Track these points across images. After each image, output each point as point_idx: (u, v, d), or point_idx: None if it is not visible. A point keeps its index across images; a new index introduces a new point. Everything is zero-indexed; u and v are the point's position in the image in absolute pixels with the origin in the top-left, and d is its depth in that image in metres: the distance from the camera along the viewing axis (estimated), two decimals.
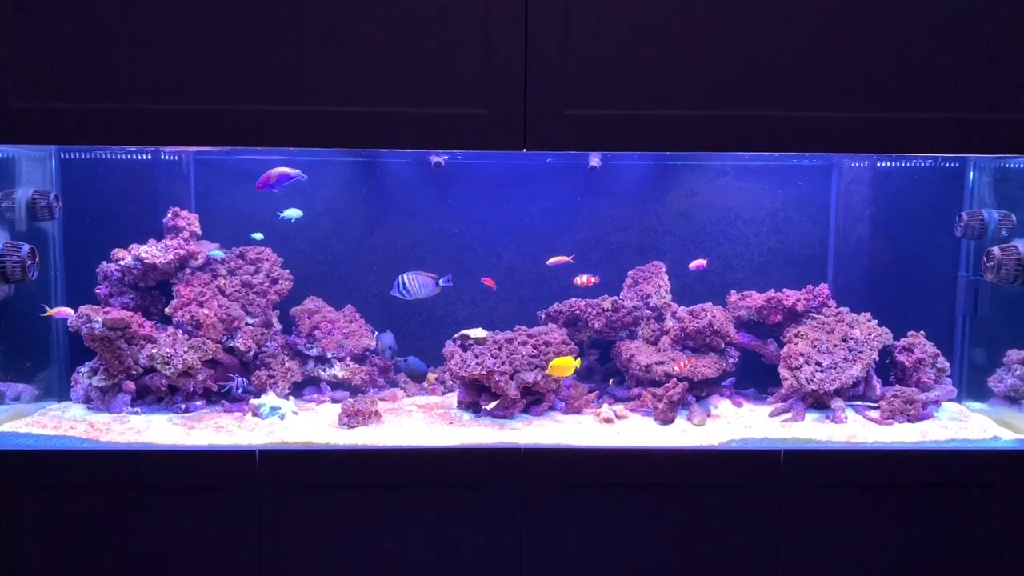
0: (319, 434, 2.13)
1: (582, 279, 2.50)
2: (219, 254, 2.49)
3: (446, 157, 2.52)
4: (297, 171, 2.32)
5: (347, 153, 2.57)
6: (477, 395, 2.32)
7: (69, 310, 2.30)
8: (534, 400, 2.32)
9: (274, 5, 1.88)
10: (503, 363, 2.26)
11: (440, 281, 2.31)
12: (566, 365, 2.21)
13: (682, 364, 2.25)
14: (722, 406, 2.39)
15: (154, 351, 2.28)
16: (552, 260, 2.54)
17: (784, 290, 2.50)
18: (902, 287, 2.59)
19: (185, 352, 2.29)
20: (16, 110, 1.89)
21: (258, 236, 2.56)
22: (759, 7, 1.90)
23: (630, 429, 2.19)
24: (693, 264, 2.54)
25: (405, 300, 2.33)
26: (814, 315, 2.47)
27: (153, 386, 2.33)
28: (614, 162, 2.58)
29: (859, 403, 2.37)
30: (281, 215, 2.49)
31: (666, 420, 2.24)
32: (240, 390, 2.37)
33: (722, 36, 1.91)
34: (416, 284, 2.27)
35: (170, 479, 1.96)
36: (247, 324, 2.48)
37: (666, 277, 2.58)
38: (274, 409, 2.27)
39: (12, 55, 1.87)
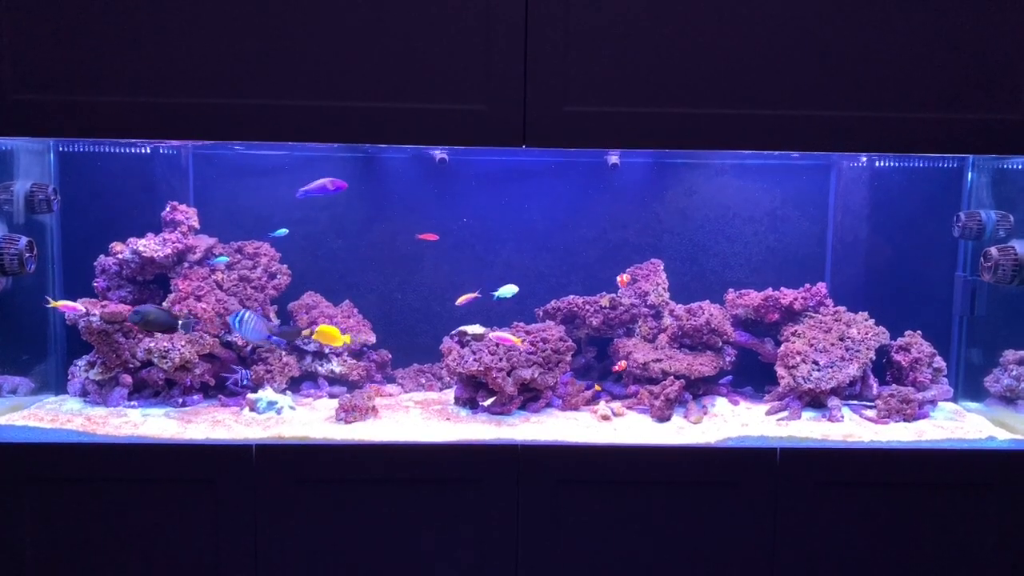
0: (316, 429, 2.13)
1: (464, 298, 2.50)
2: (224, 259, 2.49)
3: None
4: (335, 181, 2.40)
5: (345, 148, 2.56)
6: (474, 391, 2.32)
7: (78, 305, 2.29)
8: (531, 397, 2.33)
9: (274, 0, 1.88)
10: (501, 360, 2.26)
11: (272, 336, 2.30)
12: (332, 333, 2.21)
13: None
14: (719, 404, 2.40)
15: (151, 345, 2.28)
16: (461, 299, 2.50)
17: (782, 289, 2.50)
18: (899, 287, 2.60)
19: (182, 346, 2.28)
20: (15, 102, 1.88)
21: (283, 232, 2.55)
22: (759, 6, 1.90)
23: (627, 426, 2.20)
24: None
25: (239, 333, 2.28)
26: (811, 314, 2.48)
27: (150, 380, 2.33)
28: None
29: (856, 402, 2.38)
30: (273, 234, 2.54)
31: (663, 418, 2.25)
32: (243, 383, 2.36)
33: (722, 34, 1.91)
34: (250, 325, 2.23)
35: (166, 473, 1.96)
36: None
37: (664, 275, 2.58)
38: (271, 404, 2.27)
39: (11, 47, 1.87)
